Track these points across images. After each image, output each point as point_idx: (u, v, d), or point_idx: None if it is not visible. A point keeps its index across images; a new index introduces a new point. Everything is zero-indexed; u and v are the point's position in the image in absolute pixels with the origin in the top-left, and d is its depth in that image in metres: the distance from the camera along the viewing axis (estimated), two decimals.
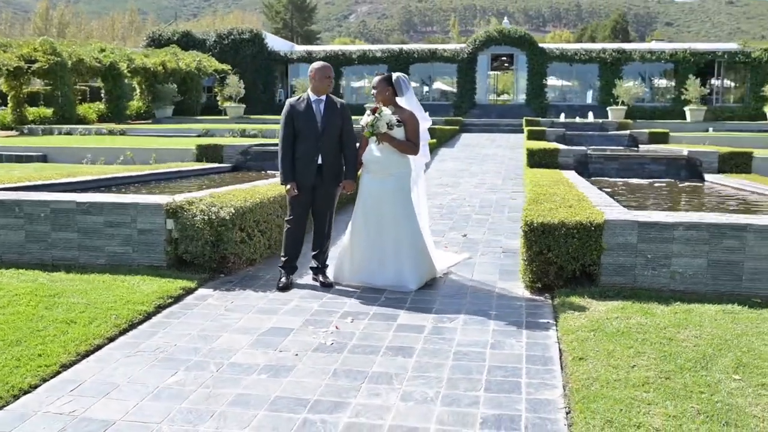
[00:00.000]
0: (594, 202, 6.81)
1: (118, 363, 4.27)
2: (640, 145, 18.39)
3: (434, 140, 15.83)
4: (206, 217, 6.11)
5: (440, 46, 39.38)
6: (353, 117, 6.27)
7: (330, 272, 6.20)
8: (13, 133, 23.92)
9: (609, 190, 9.48)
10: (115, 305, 5.18)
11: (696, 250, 5.54)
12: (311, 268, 6.23)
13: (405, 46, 40.58)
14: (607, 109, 30.91)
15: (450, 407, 3.68)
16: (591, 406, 3.54)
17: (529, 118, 26.56)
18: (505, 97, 49.73)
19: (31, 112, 26.97)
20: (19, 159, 15.27)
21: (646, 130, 20.23)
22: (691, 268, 5.56)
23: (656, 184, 11.55)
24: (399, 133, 5.93)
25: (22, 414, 3.57)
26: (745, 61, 34.27)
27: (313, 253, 6.23)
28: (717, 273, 5.54)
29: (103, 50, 30.21)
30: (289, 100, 6.15)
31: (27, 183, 7.85)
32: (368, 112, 5.95)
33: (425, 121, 6.24)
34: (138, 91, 32.83)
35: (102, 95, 30.98)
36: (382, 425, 3.47)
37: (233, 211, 6.18)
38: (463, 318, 5.16)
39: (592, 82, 36.63)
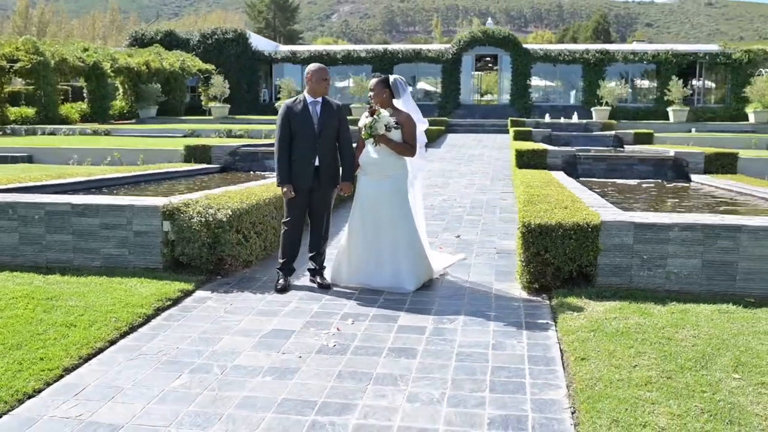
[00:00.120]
0: (588, 203, 6.88)
1: (121, 366, 4.26)
2: (625, 146, 18.59)
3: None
4: (203, 219, 6.09)
5: (425, 47, 39.48)
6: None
7: (327, 274, 6.21)
8: None
9: (599, 190, 9.56)
10: (114, 308, 5.15)
11: (691, 251, 5.62)
12: (309, 269, 6.24)
13: (390, 47, 40.65)
14: (592, 109, 31.14)
15: (457, 408, 3.70)
16: (596, 406, 3.59)
17: (514, 118, 26.72)
18: (488, 97, 49.93)
19: (13, 111, 26.69)
20: (4, 160, 15.10)
21: (632, 131, 20.43)
22: (686, 269, 5.64)
23: (644, 185, 11.66)
24: (396, 135, 5.96)
25: (28, 418, 3.55)
26: (726, 63, 34.73)
27: (310, 254, 6.23)
28: (711, 273, 5.62)
29: (86, 50, 29.98)
30: (286, 102, 6.16)
31: (18, 185, 7.78)
32: (366, 114, 5.96)
33: (422, 123, 6.27)
34: (121, 90, 32.58)
35: (84, 95, 30.72)
36: (391, 426, 3.49)
37: (230, 213, 6.16)
38: (462, 319, 5.20)
39: (575, 82, 36.92)
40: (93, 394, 3.86)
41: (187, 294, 5.74)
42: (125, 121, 29.98)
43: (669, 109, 30.14)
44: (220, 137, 19.69)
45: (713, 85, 36.89)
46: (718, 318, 4.98)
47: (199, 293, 5.82)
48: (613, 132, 21.14)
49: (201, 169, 12.44)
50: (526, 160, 12.75)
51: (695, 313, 5.07)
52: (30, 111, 26.81)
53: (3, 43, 27.07)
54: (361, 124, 5.99)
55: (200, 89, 36.92)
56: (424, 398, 3.83)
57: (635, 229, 5.68)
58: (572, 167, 12.74)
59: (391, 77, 6.12)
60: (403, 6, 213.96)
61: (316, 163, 5.97)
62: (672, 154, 12.94)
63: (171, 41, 37.81)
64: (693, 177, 11.95)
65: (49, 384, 3.96)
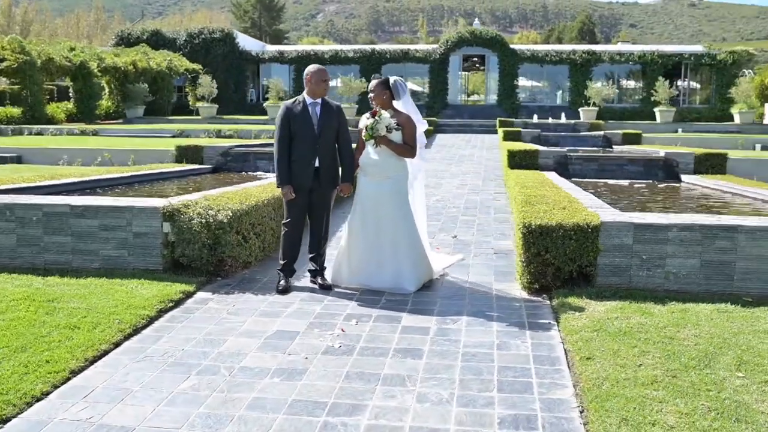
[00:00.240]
0: (585, 204, 6.93)
1: (128, 368, 4.24)
2: (614, 146, 18.72)
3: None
4: (203, 220, 6.08)
5: (412, 47, 39.50)
6: None
7: (328, 274, 6.22)
8: None
9: (592, 191, 9.63)
10: (117, 310, 5.14)
11: (689, 251, 5.68)
12: (309, 270, 6.24)
13: (377, 47, 40.61)
14: (579, 110, 31.33)
15: (466, 408, 3.73)
16: (605, 405, 3.63)
17: (502, 119, 26.82)
18: (475, 97, 50.01)
19: None
20: None
21: (620, 131, 20.58)
22: (685, 269, 5.70)
23: (636, 185, 11.75)
24: (396, 136, 5.98)
25: (38, 421, 3.54)
26: (711, 64, 35.06)
27: (311, 255, 6.24)
28: (710, 273, 5.69)
29: (73, 49, 29.73)
30: (285, 103, 6.17)
31: (11, 186, 7.72)
32: (367, 115, 5.98)
33: (421, 125, 6.29)
34: (107, 90, 32.36)
35: (70, 94, 30.48)
36: (403, 427, 3.51)
37: (230, 214, 6.16)
38: (465, 319, 5.23)
39: (561, 83, 37.11)
40: (101, 396, 3.85)
41: (189, 295, 5.73)
42: (112, 121, 29.79)
43: (656, 109, 30.40)
44: (209, 137, 19.63)
45: (698, 85, 37.22)
46: (718, 317, 5.05)
47: (200, 294, 5.81)
48: (602, 132, 21.29)
49: (193, 170, 12.38)
50: (517, 161, 12.80)
51: (695, 313, 5.13)
52: (15, 111, 26.51)
53: None
54: (361, 125, 6.01)
55: (187, 89, 36.76)
56: (433, 398, 3.85)
57: (635, 229, 5.74)
58: (564, 168, 12.82)
59: (392, 79, 6.14)
60: (388, 6, 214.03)
61: (316, 164, 5.99)
62: (662, 154, 13.05)
63: (157, 41, 37.58)
64: (683, 177, 12.05)
65: (56, 386, 3.94)
